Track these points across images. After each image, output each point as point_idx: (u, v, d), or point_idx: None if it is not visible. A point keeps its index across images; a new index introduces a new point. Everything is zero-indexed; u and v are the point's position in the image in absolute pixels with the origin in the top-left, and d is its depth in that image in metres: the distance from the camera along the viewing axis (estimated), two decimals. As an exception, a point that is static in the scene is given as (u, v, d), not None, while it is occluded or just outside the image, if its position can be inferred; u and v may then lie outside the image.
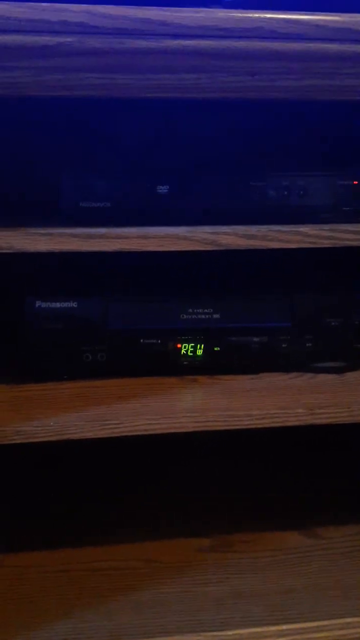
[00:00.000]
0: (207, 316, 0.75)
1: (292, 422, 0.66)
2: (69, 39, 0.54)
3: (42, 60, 0.55)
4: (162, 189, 0.67)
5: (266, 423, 0.66)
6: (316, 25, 0.56)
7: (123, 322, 0.74)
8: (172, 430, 0.66)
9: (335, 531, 0.83)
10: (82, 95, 0.57)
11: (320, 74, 0.58)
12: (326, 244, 0.64)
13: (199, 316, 0.75)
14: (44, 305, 0.73)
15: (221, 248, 0.64)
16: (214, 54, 0.56)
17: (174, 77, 0.56)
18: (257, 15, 0.55)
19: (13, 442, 0.63)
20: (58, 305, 0.73)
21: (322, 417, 0.67)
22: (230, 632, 0.67)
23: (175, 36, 0.55)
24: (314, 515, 0.86)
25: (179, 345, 0.75)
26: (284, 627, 0.68)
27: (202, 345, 0.75)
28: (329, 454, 1.00)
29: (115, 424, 0.65)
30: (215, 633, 0.67)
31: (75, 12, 0.54)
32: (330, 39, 0.56)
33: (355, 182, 0.69)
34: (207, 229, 0.64)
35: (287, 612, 0.70)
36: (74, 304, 0.73)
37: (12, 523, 0.84)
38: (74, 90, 0.56)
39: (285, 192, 0.68)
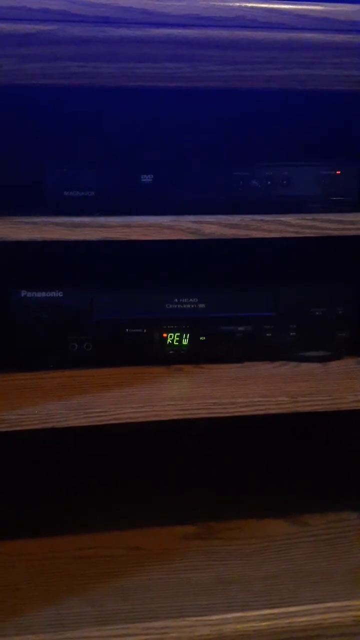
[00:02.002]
0: (192, 306, 0.76)
1: (274, 409, 0.67)
2: (50, 27, 0.54)
3: (23, 49, 0.55)
4: (146, 179, 0.67)
5: (249, 411, 0.67)
6: (297, 15, 0.56)
7: (109, 311, 0.75)
8: (156, 419, 0.66)
9: (319, 519, 0.84)
10: (64, 84, 0.57)
11: (302, 64, 0.58)
12: (309, 233, 0.65)
13: (185, 306, 0.76)
14: (29, 295, 0.73)
15: (205, 237, 0.64)
16: (196, 43, 0.56)
17: (157, 66, 0.57)
18: (238, 4, 0.56)
19: (-3, 430, 0.64)
20: (43, 295, 0.73)
21: (305, 405, 0.67)
22: (214, 617, 0.68)
23: (158, 25, 0.55)
24: (298, 503, 0.87)
25: (164, 335, 0.76)
26: (267, 611, 0.69)
27: (188, 335, 0.76)
28: (313, 442, 1.02)
29: (98, 412, 0.65)
30: (199, 618, 0.68)
31: (57, 0, 0.54)
32: (312, 29, 0.57)
33: (338, 172, 0.69)
34: (191, 218, 0.64)
35: (271, 597, 0.71)
36: (60, 294, 0.74)
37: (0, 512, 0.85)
38: (56, 79, 0.56)
39: (269, 182, 0.69)
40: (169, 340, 0.76)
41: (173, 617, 0.68)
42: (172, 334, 0.76)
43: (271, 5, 0.56)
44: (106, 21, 0.54)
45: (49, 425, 0.64)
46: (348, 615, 0.69)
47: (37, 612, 0.69)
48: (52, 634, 0.66)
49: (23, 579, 0.74)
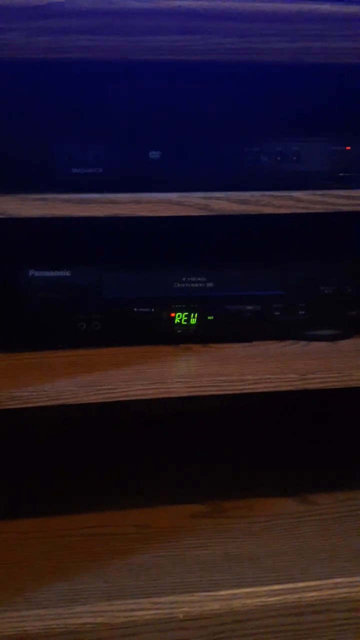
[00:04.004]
0: (200, 285, 0.76)
1: (284, 387, 0.67)
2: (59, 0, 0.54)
3: (33, 22, 0.54)
4: (155, 155, 0.67)
5: (259, 388, 0.67)
6: (308, -14, 0.56)
7: (117, 291, 0.75)
8: (166, 396, 0.66)
9: (327, 497, 0.85)
10: (73, 57, 0.56)
11: (312, 36, 0.57)
12: (319, 209, 0.65)
13: (193, 285, 0.76)
14: (38, 274, 0.73)
15: (214, 213, 0.64)
16: (206, 15, 0.55)
17: (165, 38, 0.56)
18: (248, -25, 0.55)
19: (8, 407, 0.64)
20: (52, 274, 0.73)
21: (314, 382, 0.67)
22: (223, 592, 0.69)
23: (167, -4, 0.54)
24: (306, 482, 0.87)
25: (172, 314, 0.76)
26: (276, 587, 0.69)
27: (196, 314, 0.76)
28: (322, 422, 1.02)
29: (108, 389, 0.65)
30: (208, 593, 0.69)
31: (65, -28, 0.53)
32: (323, 0, 0.56)
33: (348, 148, 0.69)
34: (200, 194, 0.64)
35: (279, 573, 0.72)
36: (68, 273, 0.74)
37: (10, 491, 0.86)
38: (66, 53, 0.56)
39: (278, 158, 0.68)
40: (177, 320, 0.76)
41: (182, 592, 0.69)
42: (181, 314, 0.76)
43: (281, -24, 0.56)
44: (115, -8, 0.54)
45: (59, 402, 0.64)
46: (357, 590, 0.70)
47: (48, 588, 0.69)
48: (63, 609, 0.67)
49: (34, 556, 0.75)
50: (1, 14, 0.54)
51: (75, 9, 0.54)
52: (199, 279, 0.76)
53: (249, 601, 0.69)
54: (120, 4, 0.54)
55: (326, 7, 0.56)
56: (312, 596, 0.69)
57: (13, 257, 0.76)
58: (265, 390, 0.67)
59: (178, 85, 0.78)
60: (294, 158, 0.69)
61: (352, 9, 0.57)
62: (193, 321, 0.76)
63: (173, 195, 0.64)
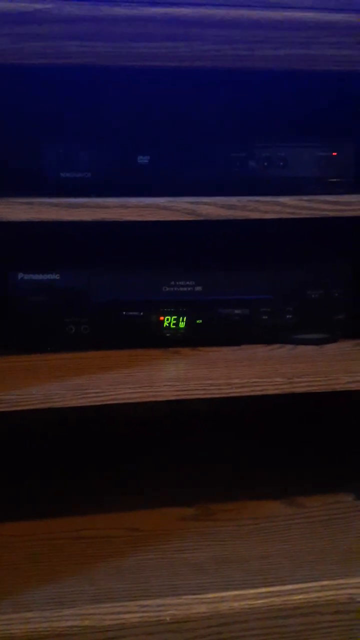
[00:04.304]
0: (189, 289, 0.76)
1: (271, 390, 0.67)
2: (46, 6, 0.54)
3: (19, 27, 0.55)
4: (143, 160, 0.67)
5: (246, 391, 0.67)
6: (293, -6, 0.56)
7: (106, 294, 0.75)
8: (154, 399, 0.67)
9: (315, 500, 0.85)
10: (60, 63, 0.57)
11: (297, 43, 0.58)
12: (305, 214, 0.65)
13: (182, 289, 0.76)
14: (26, 277, 0.74)
15: (201, 218, 0.64)
16: (192, 22, 0.56)
17: (153, 45, 0.57)
18: (234, -17, 0.56)
19: (-4, 410, 0.64)
20: (41, 277, 0.74)
21: (301, 386, 0.68)
22: (210, 595, 0.69)
23: (153, 4, 0.55)
24: (294, 485, 0.88)
25: (161, 318, 0.76)
26: (263, 590, 0.70)
27: (185, 318, 0.76)
28: (310, 425, 1.02)
29: (96, 392, 0.66)
30: (196, 596, 0.69)
31: (53, -22, 0.54)
32: (307, 8, 0.57)
33: (335, 154, 0.69)
34: (187, 199, 0.65)
35: (267, 576, 0.72)
36: (57, 276, 0.74)
37: (-1, 494, 0.86)
38: (53, 59, 0.56)
39: (266, 163, 0.69)
40: (165, 323, 0.76)
41: (169, 595, 0.69)
42: (169, 317, 0.76)
43: (267, -16, 0.56)
44: (102, 0, 0.54)
45: (47, 405, 0.64)
46: (343, 593, 0.70)
47: (36, 591, 0.69)
48: (50, 612, 0.67)
49: (21, 559, 0.75)
50: (-12, 20, 0.54)
51: (62, 15, 0.54)
52: (187, 282, 0.76)
53: (236, 604, 0.69)
54: (107, 11, 0.55)
55: (310, 15, 0.57)
56: (299, 599, 0.70)
57: (2, 260, 0.76)
58: (252, 393, 0.67)
59: (166, 91, 0.79)
60: (281, 163, 0.69)
61: (335, 17, 0.57)
62: (182, 325, 0.76)
63: (161, 200, 0.64)
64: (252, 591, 0.70)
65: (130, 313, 0.75)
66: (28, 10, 0.54)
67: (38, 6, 0.54)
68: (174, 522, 0.81)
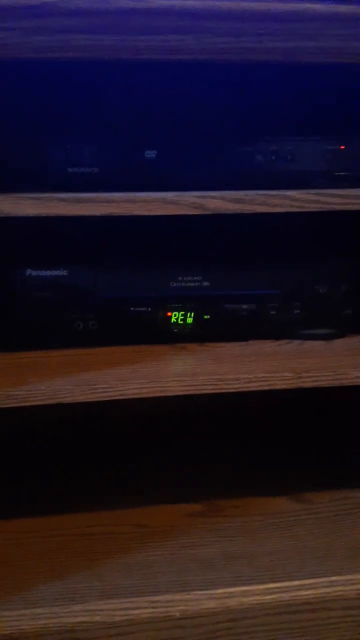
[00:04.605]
0: (196, 284, 0.76)
1: (279, 385, 0.67)
2: (53, -1, 0.54)
3: (28, 21, 0.54)
4: (150, 154, 0.67)
5: (254, 386, 0.67)
6: (302, -14, 0.56)
7: (113, 290, 0.75)
8: (162, 394, 0.66)
9: (323, 496, 0.85)
10: (69, 57, 0.57)
11: (305, 35, 0.58)
12: (313, 208, 0.65)
13: (189, 284, 0.76)
14: (34, 273, 0.73)
15: (209, 212, 0.64)
16: (200, 15, 0.56)
17: (160, 38, 0.56)
18: (242, -25, 0.55)
19: (5, 406, 0.64)
20: (48, 273, 0.74)
21: (309, 381, 0.68)
22: (219, 591, 0.69)
23: (161, -4, 0.55)
24: (302, 481, 0.88)
25: (169, 314, 0.76)
26: (272, 585, 0.70)
27: (192, 313, 0.76)
28: (318, 420, 1.02)
29: (104, 388, 0.66)
30: (204, 591, 0.69)
31: (60, -28, 0.54)
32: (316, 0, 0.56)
33: (342, 147, 0.69)
34: (195, 193, 0.64)
35: (275, 571, 0.72)
36: (64, 272, 0.74)
37: (5, 490, 0.85)
38: (61, 52, 0.56)
39: (273, 157, 0.69)
40: (173, 319, 0.76)
41: (177, 591, 0.69)
42: (177, 313, 0.76)
43: (274, -24, 0.56)
44: (109, -8, 0.54)
45: (56, 400, 0.64)
46: (351, 589, 0.70)
47: (45, 587, 0.70)
48: (60, 607, 0.67)
49: (30, 555, 0.75)
50: (-4, 13, 0.54)
51: (70, 8, 0.54)
52: (195, 278, 0.76)
53: (244, 599, 0.69)
54: (115, 4, 0.55)
55: (319, 7, 0.57)
56: (307, 594, 0.70)
57: (9, 256, 0.76)
58: (259, 388, 0.67)
59: (173, 85, 0.79)
60: (289, 157, 0.69)
61: (345, 8, 0.57)
62: (189, 320, 0.76)
63: (168, 195, 0.64)
64: (260, 587, 0.70)
65: (138, 309, 0.75)
66: (36, 3, 0.54)
67: (46, -1, 0.54)
68: (181, 518, 0.81)
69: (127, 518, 0.81)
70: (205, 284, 0.76)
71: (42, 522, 0.80)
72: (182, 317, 0.76)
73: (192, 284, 0.76)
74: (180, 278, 0.76)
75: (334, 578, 0.70)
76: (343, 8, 0.57)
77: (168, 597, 0.68)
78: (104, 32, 0.56)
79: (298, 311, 0.77)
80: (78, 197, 0.62)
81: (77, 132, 0.68)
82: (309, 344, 0.76)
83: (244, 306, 0.76)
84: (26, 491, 0.86)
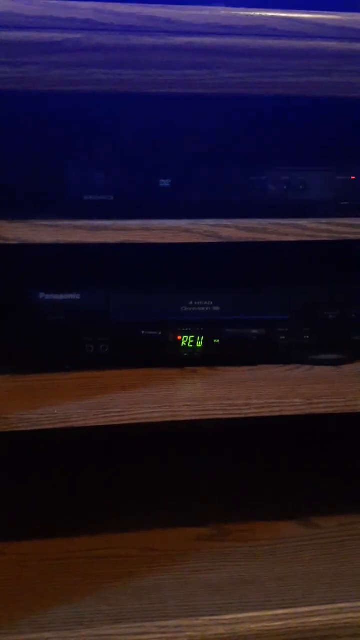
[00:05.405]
0: (207, 309, 0.77)
1: (290, 411, 0.68)
2: (76, 36, 0.55)
3: (51, 56, 0.56)
4: (165, 183, 0.68)
5: (265, 412, 0.68)
6: (316, 24, 0.58)
7: (125, 313, 0.76)
8: (172, 419, 0.67)
9: (331, 521, 0.85)
10: (88, 90, 0.58)
11: (320, 71, 0.59)
12: (324, 237, 0.66)
13: (199, 308, 0.77)
14: (47, 297, 0.74)
15: (222, 240, 0.65)
16: (217, 51, 0.57)
17: (178, 73, 0.58)
18: (259, 13, 0.57)
19: (17, 429, 0.65)
20: (61, 297, 0.74)
21: (319, 407, 0.68)
22: (227, 617, 0.69)
23: (180, 33, 0.56)
24: (310, 506, 0.88)
25: (179, 337, 0.77)
26: (280, 611, 0.70)
27: (202, 337, 0.77)
28: (325, 445, 1.02)
29: (117, 412, 0.66)
30: (213, 617, 0.69)
31: (83, 10, 0.55)
32: (330, 37, 0.58)
33: (353, 177, 0.70)
34: (209, 221, 0.66)
35: (283, 597, 0.72)
36: (77, 296, 0.75)
37: (13, 512, 0.86)
38: (81, 85, 0.58)
39: (285, 187, 0.70)
40: (183, 343, 0.77)
41: (187, 616, 0.69)
42: (187, 337, 0.77)
43: (290, 15, 0.58)
44: (130, 30, 0.56)
45: (69, 424, 0.65)
46: (361, 616, 0.70)
47: (53, 611, 0.69)
48: (69, 632, 0.67)
49: (37, 578, 0.75)
50: (21, 48, 0.55)
51: (92, 44, 0.56)
52: (205, 302, 0.77)
53: (253, 626, 0.69)
54: (135, 40, 0.56)
55: (333, 45, 0.58)
56: (316, 621, 0.70)
57: (23, 279, 0.77)
58: (270, 414, 0.68)
59: (188, 116, 0.80)
60: (300, 187, 0.70)
61: (357, 46, 0.59)
62: (199, 344, 0.77)
63: (183, 223, 0.65)
64: (269, 613, 0.70)
65: (149, 332, 0.76)
66: (58, 40, 0.55)
67: (69, 36, 0.55)
68: (188, 542, 0.81)
69: (135, 541, 0.81)
70: (216, 308, 0.77)
71: (48, 545, 0.80)
72: (192, 341, 0.77)
73: (203, 309, 0.77)
74: (190, 302, 0.77)
75: (342, 605, 0.70)
76: (356, 46, 0.58)
77: (177, 622, 0.68)
78: (124, 67, 0.57)
79: (307, 336, 0.78)
80: (94, 225, 0.63)
81: (93, 161, 0.70)
82: (318, 369, 0.77)
83: (254, 331, 0.77)
84: (32, 512, 0.86)
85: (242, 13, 0.57)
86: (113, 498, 0.89)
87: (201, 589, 0.73)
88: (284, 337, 0.77)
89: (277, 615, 0.69)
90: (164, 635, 0.67)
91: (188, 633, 0.68)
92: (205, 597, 0.72)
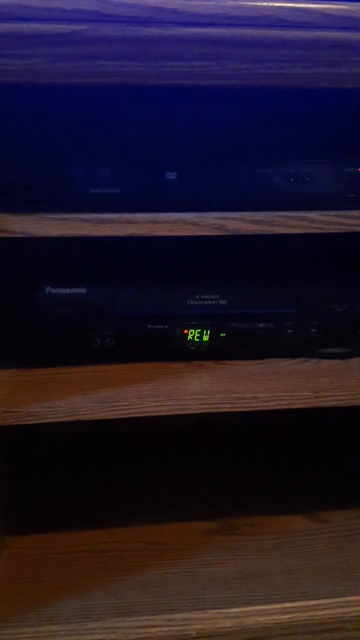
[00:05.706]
0: (213, 302, 0.77)
1: (297, 404, 0.68)
2: (82, 27, 0.55)
3: (56, 48, 0.56)
4: (171, 176, 0.68)
5: (272, 405, 0.67)
6: (323, 14, 0.57)
7: (131, 308, 0.76)
8: (180, 412, 0.67)
9: (338, 515, 0.85)
10: (94, 82, 0.58)
11: (327, 62, 0.59)
12: (332, 229, 0.66)
13: (206, 302, 0.77)
14: (54, 291, 0.74)
15: (229, 233, 0.65)
16: (224, 42, 0.57)
17: (185, 64, 0.58)
18: (265, 4, 0.57)
19: (26, 422, 0.65)
20: (68, 291, 0.74)
21: (327, 400, 0.68)
22: (235, 610, 0.69)
23: (187, 24, 0.56)
24: (318, 500, 0.88)
25: (185, 331, 0.76)
26: (288, 605, 0.70)
27: (209, 331, 0.77)
28: (331, 441, 1.02)
29: (124, 405, 0.66)
30: (220, 610, 0.69)
31: (89, 1, 0.55)
32: (337, 27, 0.58)
33: (359, 170, 0.70)
34: (215, 214, 0.65)
35: (291, 591, 0.72)
36: (83, 290, 0.75)
37: (20, 506, 0.86)
38: (87, 77, 0.58)
39: (292, 179, 0.70)
40: (190, 337, 0.77)
41: (193, 609, 0.69)
42: (193, 330, 0.77)
43: (297, 5, 0.57)
44: (137, 21, 0.55)
45: (76, 418, 0.65)
46: (369, 609, 0.70)
47: (60, 604, 0.70)
48: (76, 624, 0.67)
49: (44, 571, 0.75)
50: (27, 41, 0.55)
51: (99, 35, 0.56)
52: (212, 296, 0.77)
53: (261, 619, 0.69)
54: (142, 31, 0.56)
55: (341, 35, 0.58)
56: (324, 614, 0.69)
57: (30, 274, 0.77)
58: (278, 407, 0.68)
59: (194, 109, 0.80)
60: (307, 179, 0.70)
61: (364, 36, 0.58)
62: (206, 338, 0.77)
63: (189, 215, 0.65)
64: (277, 606, 0.70)
65: (155, 326, 0.76)
66: (64, 31, 0.55)
67: (75, 27, 0.55)
68: (196, 535, 0.81)
69: (142, 535, 0.81)
70: (222, 302, 0.77)
71: (55, 538, 0.80)
72: (199, 335, 0.77)
73: (209, 302, 0.77)
74: (197, 296, 0.77)
75: (350, 598, 0.70)
76: (363, 36, 0.58)
77: (184, 615, 0.68)
78: (131, 58, 0.57)
79: (315, 330, 0.77)
80: (101, 218, 0.63)
81: (99, 154, 0.70)
82: (325, 362, 0.77)
83: (261, 324, 0.77)
84: (39, 506, 0.86)
85: (248, 3, 0.56)
86: (119, 494, 0.89)
87: (208, 582, 0.73)
88: (291, 331, 0.77)
89: (284, 608, 0.69)
90: (171, 628, 0.67)
91: (195, 626, 0.68)
92: (213, 591, 0.72)
